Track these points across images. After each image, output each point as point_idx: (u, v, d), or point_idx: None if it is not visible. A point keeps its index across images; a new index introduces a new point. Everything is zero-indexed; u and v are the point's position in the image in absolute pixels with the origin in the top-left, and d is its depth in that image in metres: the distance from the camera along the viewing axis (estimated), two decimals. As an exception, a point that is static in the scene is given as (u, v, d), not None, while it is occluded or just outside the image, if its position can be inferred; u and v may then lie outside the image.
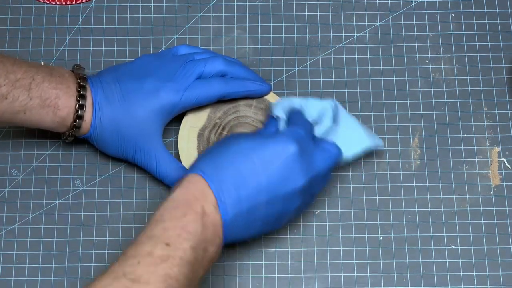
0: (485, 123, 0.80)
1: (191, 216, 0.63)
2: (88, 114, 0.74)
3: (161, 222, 0.63)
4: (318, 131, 0.74)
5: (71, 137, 0.75)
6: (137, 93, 0.74)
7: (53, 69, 0.74)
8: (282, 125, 0.74)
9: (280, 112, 0.74)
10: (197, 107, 0.78)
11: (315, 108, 0.75)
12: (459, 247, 0.76)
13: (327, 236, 0.77)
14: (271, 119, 0.75)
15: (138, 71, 0.75)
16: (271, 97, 0.79)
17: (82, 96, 0.73)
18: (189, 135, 0.78)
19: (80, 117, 0.73)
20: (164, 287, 0.59)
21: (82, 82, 0.74)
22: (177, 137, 0.78)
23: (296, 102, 0.75)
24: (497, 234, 0.77)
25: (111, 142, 0.75)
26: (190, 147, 0.77)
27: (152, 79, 0.74)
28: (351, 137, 0.74)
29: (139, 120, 0.74)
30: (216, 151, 0.68)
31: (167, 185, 0.77)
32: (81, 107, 0.73)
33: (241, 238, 0.69)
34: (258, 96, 0.78)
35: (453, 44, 0.83)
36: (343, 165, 0.76)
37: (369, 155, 0.79)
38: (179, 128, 0.78)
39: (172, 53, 0.78)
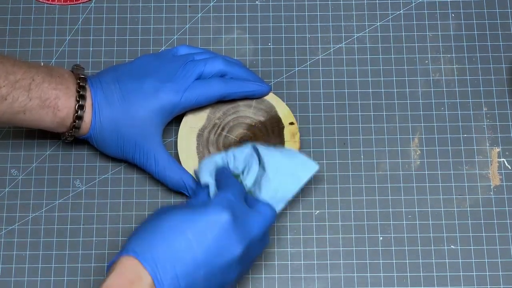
0: (485, 123, 0.80)
1: None
2: (87, 115, 0.74)
3: None
4: (249, 180, 0.73)
5: (71, 137, 0.75)
6: (137, 93, 0.74)
7: (53, 69, 0.74)
8: (212, 190, 0.72)
9: (207, 177, 0.72)
10: (197, 108, 0.78)
11: (238, 159, 0.74)
12: (459, 247, 0.76)
13: (327, 236, 0.77)
14: (199, 187, 0.73)
15: (138, 72, 0.75)
16: (271, 98, 0.79)
17: (81, 97, 0.73)
18: (189, 136, 0.78)
19: (80, 118, 0.73)
20: None
21: (81, 83, 0.74)
22: (176, 138, 0.78)
23: (218, 159, 0.73)
24: (497, 234, 0.77)
25: (111, 142, 0.75)
26: (190, 147, 0.77)
27: (152, 79, 0.74)
28: (285, 178, 0.72)
29: (139, 121, 0.74)
30: (147, 229, 0.66)
31: (166, 186, 0.77)
32: (81, 107, 0.73)
33: None
34: (257, 96, 0.78)
35: (453, 44, 0.83)
36: (287, 204, 0.73)
37: (370, 156, 0.79)
38: (178, 129, 0.78)
39: (172, 53, 0.78)
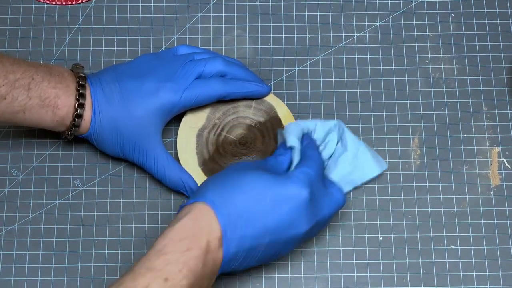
0: (485, 123, 0.80)
1: (195, 251, 0.63)
2: (87, 113, 0.74)
3: (163, 254, 0.62)
4: (326, 153, 0.75)
5: (71, 136, 0.75)
6: (137, 92, 0.74)
7: (52, 68, 0.74)
8: (297, 156, 0.72)
9: (294, 140, 0.73)
10: (197, 108, 0.78)
11: (320, 130, 0.75)
12: (459, 247, 0.76)
13: (327, 236, 0.77)
14: (283, 149, 0.73)
15: (138, 71, 0.75)
16: (270, 98, 0.79)
17: (81, 95, 0.73)
18: (188, 136, 0.78)
19: (79, 116, 0.73)
20: None
21: (81, 81, 0.74)
22: (176, 137, 0.78)
23: (305, 126, 0.75)
24: (497, 234, 0.77)
25: (111, 141, 0.75)
26: (189, 147, 0.77)
27: (152, 79, 0.74)
28: (361, 164, 0.75)
29: (139, 120, 0.74)
30: (228, 181, 0.67)
31: (166, 185, 0.77)
32: (81, 106, 0.73)
33: (233, 271, 0.68)
34: (257, 97, 0.78)
35: (453, 44, 0.83)
36: (351, 190, 0.77)
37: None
38: (178, 128, 0.78)
39: (172, 53, 0.78)
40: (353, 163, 0.74)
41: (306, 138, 0.74)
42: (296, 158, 0.72)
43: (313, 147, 0.73)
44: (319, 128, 0.75)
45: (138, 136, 0.74)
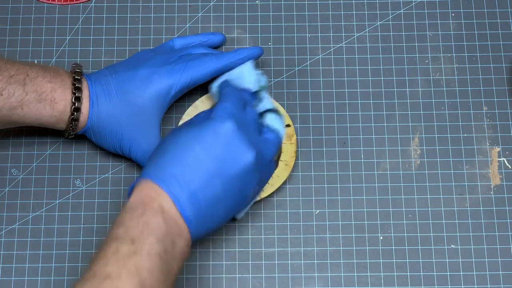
0: (485, 123, 0.80)
1: (150, 213, 0.64)
2: (85, 106, 0.74)
3: (122, 224, 0.63)
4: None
5: (73, 132, 0.75)
6: (132, 81, 0.74)
7: (47, 66, 0.75)
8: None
9: (214, 88, 0.76)
10: (194, 110, 0.78)
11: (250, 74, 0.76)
12: (459, 246, 0.76)
13: (327, 236, 0.77)
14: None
15: (134, 63, 0.76)
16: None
17: (77, 89, 0.73)
18: None
19: (78, 109, 0.73)
20: (137, 279, 0.59)
21: (77, 76, 0.74)
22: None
23: (228, 74, 0.76)
24: (497, 233, 0.77)
25: (109, 134, 0.75)
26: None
27: (146, 66, 0.75)
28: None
29: (136, 110, 0.74)
30: (158, 152, 0.68)
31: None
32: (77, 99, 0.73)
33: (209, 229, 0.68)
34: (253, 59, 0.78)
35: (453, 44, 0.83)
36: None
37: (370, 155, 0.79)
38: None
39: (169, 46, 0.79)
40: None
41: (223, 84, 0.75)
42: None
43: (227, 85, 0.74)
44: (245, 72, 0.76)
45: (136, 129, 0.74)
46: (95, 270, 0.60)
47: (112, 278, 0.59)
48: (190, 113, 0.79)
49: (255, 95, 0.75)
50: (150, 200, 0.64)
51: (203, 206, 0.66)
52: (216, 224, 0.68)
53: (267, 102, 0.75)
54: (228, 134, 0.67)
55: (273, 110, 0.75)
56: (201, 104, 0.79)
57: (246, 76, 0.76)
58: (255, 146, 0.68)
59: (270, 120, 0.74)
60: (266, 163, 0.71)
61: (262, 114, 0.75)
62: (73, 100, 0.73)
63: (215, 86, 0.76)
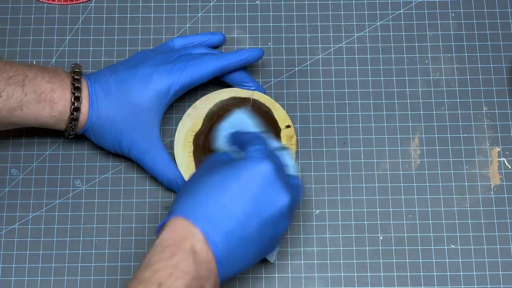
0: (485, 123, 0.80)
1: (181, 255, 0.61)
2: (84, 106, 0.74)
3: (150, 266, 0.61)
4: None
5: (73, 132, 0.75)
6: (132, 80, 0.74)
7: (46, 67, 0.75)
8: (235, 153, 0.71)
9: (223, 144, 0.73)
10: (193, 113, 0.78)
11: (247, 125, 0.74)
12: (459, 246, 0.76)
13: (327, 236, 0.77)
14: (219, 155, 0.72)
15: (133, 62, 0.76)
16: (267, 101, 0.79)
17: (77, 89, 0.73)
18: (185, 140, 0.78)
19: (77, 109, 0.73)
20: None
21: (76, 76, 0.74)
22: (174, 139, 0.78)
23: (227, 127, 0.74)
24: (497, 234, 0.77)
25: (109, 134, 0.75)
26: (186, 152, 0.77)
27: (146, 65, 0.75)
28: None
29: (135, 109, 0.74)
30: (192, 189, 0.66)
31: (162, 183, 0.77)
32: (77, 98, 0.73)
33: (238, 271, 0.65)
34: (253, 62, 0.78)
35: (453, 44, 0.83)
36: None
37: (370, 155, 0.79)
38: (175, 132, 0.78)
39: (169, 46, 0.79)
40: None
41: (234, 135, 0.72)
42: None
43: (246, 133, 0.71)
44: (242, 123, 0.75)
45: (135, 129, 0.74)
46: None
47: None
48: (190, 113, 0.79)
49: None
50: (182, 239, 0.62)
51: (236, 247, 0.64)
52: (244, 267, 0.66)
53: (273, 141, 0.72)
54: (267, 174, 0.65)
55: (283, 148, 0.72)
56: (201, 105, 0.79)
57: (246, 121, 0.74)
58: (289, 189, 0.67)
59: (284, 159, 0.71)
60: (294, 208, 0.69)
61: None
62: (73, 100, 0.73)
63: (221, 136, 0.74)
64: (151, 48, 0.83)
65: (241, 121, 0.74)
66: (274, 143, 0.71)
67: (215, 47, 0.82)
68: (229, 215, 0.64)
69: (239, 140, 0.71)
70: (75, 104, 0.73)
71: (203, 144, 0.78)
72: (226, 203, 0.64)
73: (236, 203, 0.64)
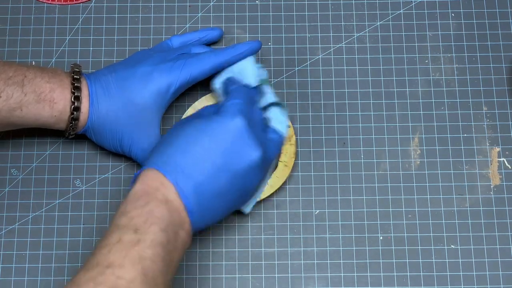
0: (485, 123, 0.80)
1: (154, 203, 0.64)
2: (84, 105, 0.74)
3: (125, 213, 0.63)
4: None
5: (73, 131, 0.75)
6: (132, 79, 0.74)
7: (45, 67, 0.75)
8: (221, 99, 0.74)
9: (218, 84, 0.76)
10: (194, 111, 0.78)
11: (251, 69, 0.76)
12: (459, 247, 0.76)
13: (327, 236, 0.77)
14: (206, 107, 0.75)
15: (133, 61, 0.76)
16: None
17: (77, 88, 0.73)
18: None
19: (77, 109, 0.73)
20: (139, 268, 0.59)
21: (76, 75, 0.74)
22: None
23: (229, 70, 0.76)
24: (497, 234, 0.77)
25: (109, 133, 0.75)
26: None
27: (146, 63, 0.75)
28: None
29: (136, 108, 0.74)
30: (165, 142, 0.68)
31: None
32: (77, 98, 0.73)
33: (210, 221, 0.68)
34: (251, 54, 0.78)
35: (453, 44, 0.83)
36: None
37: (370, 155, 0.79)
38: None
39: (167, 45, 0.80)
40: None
41: (227, 81, 0.75)
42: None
43: (234, 82, 0.74)
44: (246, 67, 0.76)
45: (136, 126, 0.74)
46: (98, 259, 0.60)
47: (115, 266, 0.59)
48: (190, 113, 0.79)
49: (258, 90, 0.75)
50: (155, 190, 0.65)
51: (206, 199, 0.66)
52: (216, 218, 0.69)
53: (270, 95, 0.76)
54: (238, 130, 0.68)
55: (277, 104, 0.75)
56: (200, 105, 0.79)
57: (248, 70, 0.76)
58: (261, 144, 0.69)
59: (274, 113, 0.75)
60: (269, 162, 0.71)
61: (265, 108, 0.75)
62: (73, 100, 0.73)
63: (218, 82, 0.77)
64: (150, 47, 0.83)
65: (243, 68, 0.76)
66: (268, 97, 0.75)
67: (214, 42, 0.83)
68: (200, 168, 0.66)
69: (227, 90, 0.74)
70: (75, 104, 0.73)
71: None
72: (197, 156, 0.66)
73: (207, 156, 0.66)
